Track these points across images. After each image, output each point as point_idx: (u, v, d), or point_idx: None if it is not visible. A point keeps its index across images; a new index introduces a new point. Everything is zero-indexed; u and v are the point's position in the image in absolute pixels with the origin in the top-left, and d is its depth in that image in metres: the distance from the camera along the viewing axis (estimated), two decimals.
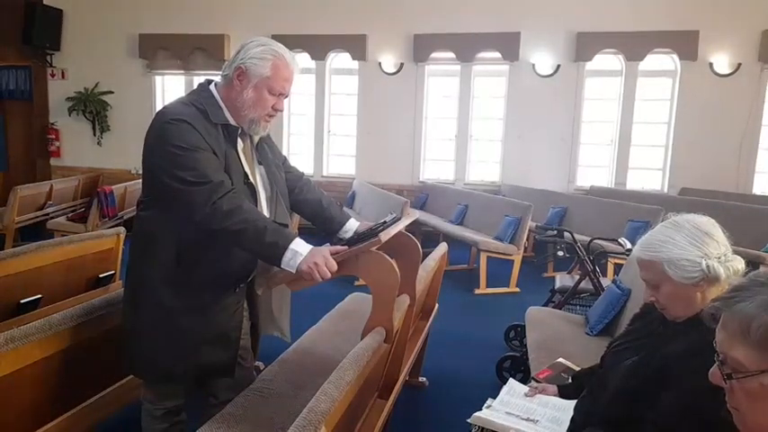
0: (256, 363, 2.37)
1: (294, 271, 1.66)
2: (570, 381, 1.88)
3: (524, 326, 3.13)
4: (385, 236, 1.78)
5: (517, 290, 5.12)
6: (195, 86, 1.86)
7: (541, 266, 5.74)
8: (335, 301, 3.01)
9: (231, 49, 7.53)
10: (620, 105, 7.04)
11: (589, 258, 3.52)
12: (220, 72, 1.82)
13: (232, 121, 1.78)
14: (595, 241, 3.97)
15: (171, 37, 7.67)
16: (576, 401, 1.60)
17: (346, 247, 1.79)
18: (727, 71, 6.62)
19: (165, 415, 1.90)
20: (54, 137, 8.21)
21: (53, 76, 8.14)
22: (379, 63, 7.38)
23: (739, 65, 6.58)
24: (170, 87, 8.04)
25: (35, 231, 6.10)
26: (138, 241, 1.80)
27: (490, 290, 5.08)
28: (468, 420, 1.60)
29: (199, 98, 1.76)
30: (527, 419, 1.61)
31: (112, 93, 8.04)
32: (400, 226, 1.98)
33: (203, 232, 1.68)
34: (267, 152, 1.94)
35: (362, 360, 1.58)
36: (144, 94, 7.93)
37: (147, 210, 1.77)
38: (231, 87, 1.77)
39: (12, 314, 2.45)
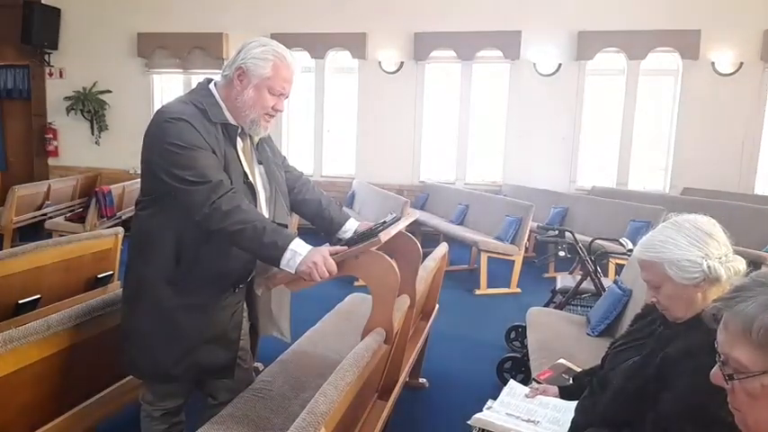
0: (256, 363, 2.37)
1: (293, 271, 1.66)
2: (571, 382, 1.87)
3: (525, 326, 3.12)
4: (385, 236, 1.77)
5: (518, 290, 5.11)
6: (194, 85, 1.85)
7: (542, 267, 5.73)
8: (335, 301, 3.01)
9: (230, 47, 7.52)
10: (621, 105, 7.03)
11: (590, 259, 3.51)
12: (219, 71, 1.82)
13: (232, 121, 1.78)
14: (597, 241, 3.97)
15: (169, 36, 7.67)
16: (576, 402, 1.59)
17: (346, 248, 1.78)
18: (729, 70, 6.62)
19: (164, 416, 1.90)
20: (52, 136, 8.21)
21: (51, 75, 8.13)
22: (379, 62, 7.38)
23: (741, 64, 6.57)
24: (168, 86, 8.03)
25: (33, 231, 6.10)
26: (137, 241, 1.79)
27: (491, 290, 5.08)
28: (469, 422, 1.60)
29: (198, 97, 1.76)
30: (528, 421, 1.61)
31: (111, 92, 8.03)
32: (400, 226, 1.98)
33: (202, 232, 1.68)
34: (267, 151, 1.93)
35: (362, 361, 1.57)
36: (142, 93, 7.92)
37: (146, 209, 1.76)
38: (231, 87, 1.76)
39: (10, 315, 2.44)
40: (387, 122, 7.46)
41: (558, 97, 7.07)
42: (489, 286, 5.09)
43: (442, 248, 2.97)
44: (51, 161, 8.31)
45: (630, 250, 3.37)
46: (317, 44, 7.38)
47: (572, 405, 1.61)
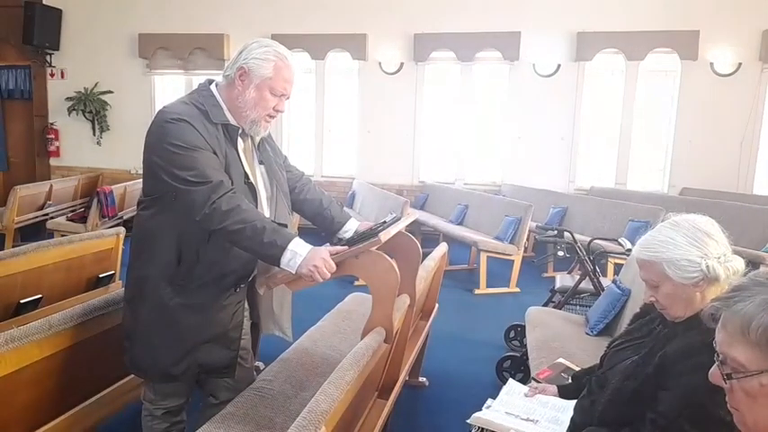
0: (256, 363, 2.37)
1: (293, 272, 1.67)
2: (570, 381, 1.88)
3: (524, 326, 3.13)
4: (385, 236, 1.78)
5: (517, 290, 5.12)
6: (195, 86, 1.86)
7: (541, 266, 5.74)
8: (335, 301, 3.01)
9: (231, 48, 7.53)
10: (620, 105, 7.03)
11: (589, 258, 3.52)
12: (220, 72, 1.83)
13: (232, 121, 1.78)
14: (595, 241, 3.97)
15: (170, 36, 7.67)
16: (575, 401, 1.60)
17: (346, 248, 1.79)
18: (727, 71, 6.62)
19: (165, 415, 1.90)
20: (53, 137, 8.21)
21: (52, 75, 8.14)
22: (379, 63, 7.38)
23: (740, 65, 6.58)
24: (170, 87, 8.03)
25: (35, 231, 6.10)
26: (138, 241, 1.80)
27: (490, 290, 5.08)
28: (468, 421, 1.60)
29: (199, 98, 1.76)
30: (527, 419, 1.61)
31: (112, 92, 8.03)
32: (400, 226, 1.98)
33: (203, 232, 1.69)
34: (268, 151, 1.94)
35: (362, 360, 1.58)
36: (143, 93, 7.92)
37: (148, 209, 1.77)
38: (233, 87, 1.77)
39: (12, 314, 2.45)
40: (387, 123, 7.46)
41: (558, 98, 7.07)
42: (489, 286, 5.10)
43: (442, 248, 2.98)
44: (53, 161, 8.31)
45: (629, 250, 3.37)
46: (317, 45, 7.39)
47: (571, 404, 1.62)
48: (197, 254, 1.72)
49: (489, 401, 1.72)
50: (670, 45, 6.67)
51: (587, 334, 2.84)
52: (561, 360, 2.17)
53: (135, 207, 1.92)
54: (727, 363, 0.86)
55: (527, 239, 5.81)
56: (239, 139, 1.80)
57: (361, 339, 1.76)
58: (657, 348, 1.39)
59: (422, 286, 2.41)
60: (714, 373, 0.89)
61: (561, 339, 2.73)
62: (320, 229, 2.13)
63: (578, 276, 3.55)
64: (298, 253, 1.66)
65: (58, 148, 8.25)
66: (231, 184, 1.69)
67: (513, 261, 5.14)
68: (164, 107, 1.74)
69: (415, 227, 6.08)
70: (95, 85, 8.00)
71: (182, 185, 1.63)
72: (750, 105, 6.63)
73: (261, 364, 2.54)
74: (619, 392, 1.40)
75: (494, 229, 5.45)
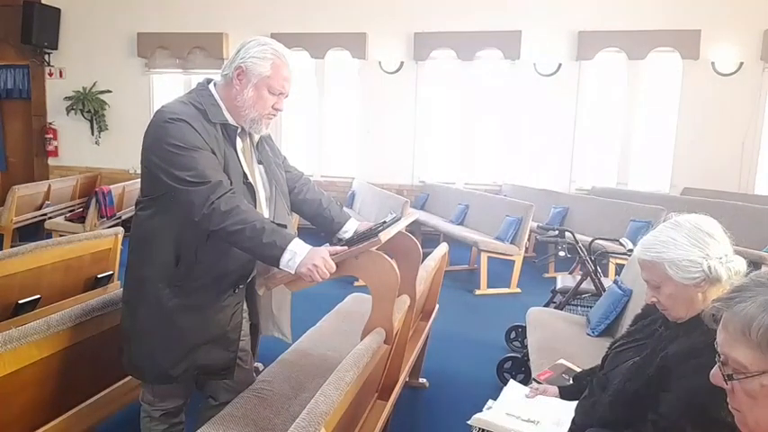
0: (256, 364, 2.37)
1: (293, 272, 1.66)
2: (571, 382, 1.87)
3: (525, 326, 3.12)
4: (385, 236, 1.77)
5: (518, 290, 5.11)
6: (194, 86, 1.85)
7: (542, 267, 5.73)
8: (335, 301, 3.01)
9: (230, 47, 7.52)
10: (621, 104, 7.03)
11: (590, 259, 3.51)
12: (219, 71, 1.82)
13: (231, 121, 1.78)
14: (597, 241, 3.97)
15: (169, 36, 7.67)
16: (576, 403, 1.59)
17: (345, 248, 1.78)
18: (729, 70, 6.61)
19: (164, 416, 1.90)
20: (52, 136, 8.21)
21: (51, 75, 8.13)
22: (379, 62, 7.37)
23: (741, 64, 6.57)
24: (169, 86, 8.02)
25: (33, 231, 6.11)
26: (137, 241, 1.79)
27: (491, 290, 5.08)
28: (469, 422, 1.60)
29: (198, 97, 1.75)
30: (528, 421, 1.61)
31: (110, 92, 8.03)
32: (400, 226, 1.98)
33: (202, 232, 1.68)
34: (267, 151, 1.93)
35: (362, 361, 1.57)
36: (142, 93, 7.92)
37: (146, 210, 1.76)
38: (231, 87, 1.76)
39: (10, 315, 2.44)
40: (387, 122, 7.45)
41: (559, 97, 7.06)
42: (489, 286, 5.09)
43: (442, 248, 2.97)
44: (51, 161, 8.31)
45: (630, 250, 3.37)
46: (317, 44, 7.38)
47: (572, 405, 1.61)
48: (196, 254, 1.71)
49: (490, 402, 1.71)
50: (671, 44, 6.67)
51: (588, 335, 2.84)
52: (562, 361, 2.17)
53: (133, 207, 1.91)
54: (729, 363, 0.85)
55: (528, 240, 5.80)
56: (238, 138, 1.80)
57: (361, 340, 1.75)
58: (659, 349, 1.38)
59: (422, 287, 2.40)
60: (715, 374, 0.89)
61: (562, 340, 2.72)
62: (320, 229, 2.12)
63: (579, 277, 3.54)
64: (297, 253, 1.65)
65: (56, 147, 8.26)
66: (230, 185, 1.68)
67: (513, 261, 5.13)
68: (162, 107, 1.73)
69: (415, 227, 6.08)
70: (94, 84, 8.00)
71: (180, 186, 1.62)
72: (751, 105, 6.63)
73: (260, 365, 2.53)
74: (620, 394, 1.39)
75: (494, 230, 5.44)
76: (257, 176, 1.87)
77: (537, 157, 7.20)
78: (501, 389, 1.83)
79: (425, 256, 2.55)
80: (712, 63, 6.64)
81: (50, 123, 8.21)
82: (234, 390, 1.91)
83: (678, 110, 6.85)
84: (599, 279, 3.43)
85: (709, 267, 1.32)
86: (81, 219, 5.99)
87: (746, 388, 0.83)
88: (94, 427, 2.04)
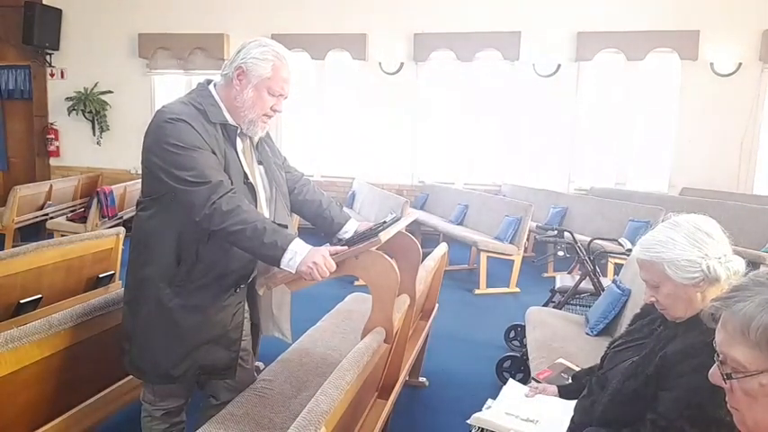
0: (257, 363, 2.37)
1: (294, 271, 1.66)
2: (570, 381, 1.88)
3: (524, 326, 3.13)
4: (385, 236, 1.78)
5: (517, 290, 5.12)
6: (194, 86, 1.85)
7: (541, 266, 5.74)
8: (335, 301, 3.01)
9: (231, 48, 7.52)
10: (620, 105, 7.03)
11: (589, 258, 3.52)
12: (220, 72, 1.82)
13: (231, 121, 1.78)
14: (595, 241, 3.97)
15: (170, 36, 7.67)
16: (575, 402, 1.60)
17: (346, 248, 1.79)
18: (727, 71, 6.62)
19: (165, 415, 1.90)
20: (53, 136, 8.21)
21: (52, 75, 8.14)
22: (379, 62, 7.38)
23: (740, 64, 6.57)
24: (169, 87, 8.02)
25: (35, 231, 6.11)
26: (138, 241, 1.79)
27: (490, 290, 5.08)
28: (468, 421, 1.60)
29: (198, 98, 1.76)
30: (527, 420, 1.61)
31: (112, 92, 8.04)
32: (400, 226, 1.98)
33: (203, 232, 1.68)
34: (267, 152, 1.94)
35: (362, 360, 1.58)
36: (143, 93, 7.93)
37: (147, 210, 1.77)
38: (231, 87, 1.76)
39: (12, 314, 2.45)
40: (387, 123, 7.46)
41: (558, 98, 7.07)
42: (489, 286, 5.10)
43: (442, 248, 2.98)
44: (53, 161, 8.32)
45: (629, 250, 3.37)
46: (317, 45, 7.39)
47: (571, 404, 1.62)
48: (196, 254, 1.72)
49: (489, 402, 1.72)
50: (670, 45, 6.67)
51: (587, 334, 2.84)
52: (561, 360, 2.18)
53: (135, 207, 1.92)
54: (727, 363, 0.85)
55: (527, 239, 5.81)
56: (238, 139, 1.80)
57: (361, 339, 1.76)
58: (658, 349, 1.38)
59: (422, 286, 2.41)
60: (714, 374, 0.89)
61: (561, 339, 2.73)
62: (320, 229, 2.12)
63: (578, 276, 3.55)
64: (298, 253, 1.66)
65: (57, 148, 8.26)
66: (231, 185, 1.68)
67: (513, 261, 5.14)
68: (162, 107, 1.74)
69: (415, 227, 6.08)
70: (95, 85, 8.01)
71: (181, 186, 1.63)
72: (750, 105, 6.63)
73: (261, 365, 2.53)
74: (619, 393, 1.40)
75: (494, 229, 5.45)
76: (257, 177, 1.87)
77: (536, 158, 7.21)
78: (500, 388, 1.84)
79: (425, 255, 2.56)
80: (711, 64, 6.64)
81: (52, 124, 8.21)
82: (235, 389, 1.92)
83: (677, 110, 6.86)
84: (598, 279, 3.44)
85: (707, 267, 1.32)
86: (82, 219, 6.00)
87: (745, 387, 0.83)
88: (95, 426, 2.04)
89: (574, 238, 3.78)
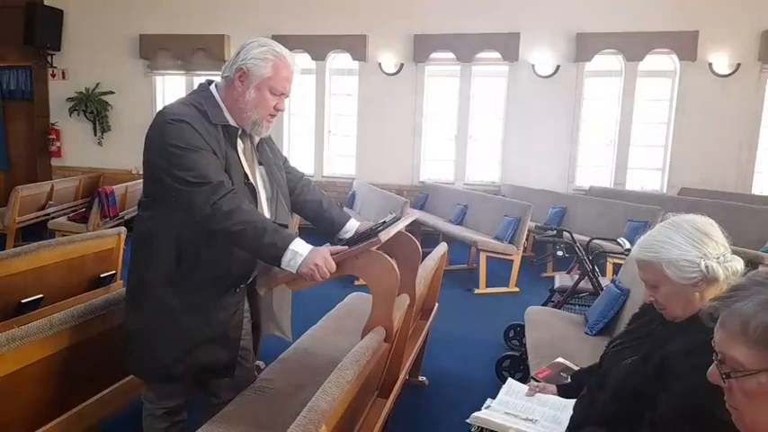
0: (257, 362, 2.38)
1: (294, 271, 1.67)
2: (569, 380, 1.88)
3: (524, 325, 3.13)
4: (385, 236, 1.78)
5: (517, 289, 5.12)
6: (196, 87, 1.86)
7: (541, 266, 5.74)
8: (335, 301, 3.02)
9: (232, 49, 7.53)
10: (619, 106, 7.04)
11: (588, 258, 3.53)
12: (221, 72, 1.83)
13: (232, 122, 1.79)
14: (594, 241, 3.98)
15: (171, 37, 7.68)
16: (575, 401, 1.60)
17: (346, 248, 1.79)
18: (726, 71, 6.62)
19: (166, 414, 1.91)
20: (55, 137, 8.22)
21: (54, 76, 8.15)
22: (379, 63, 7.39)
23: (738, 65, 6.58)
24: (171, 88, 8.03)
25: (36, 231, 6.11)
26: (139, 241, 1.80)
27: (490, 289, 5.09)
28: (468, 420, 1.61)
29: (199, 99, 1.77)
30: (526, 419, 1.62)
31: (113, 93, 8.05)
32: (400, 226, 1.99)
33: (203, 232, 1.69)
34: (268, 152, 1.94)
35: (362, 359, 1.58)
36: (144, 94, 7.94)
37: (148, 210, 1.78)
38: (232, 88, 1.77)
39: (13, 314, 2.45)
40: (387, 123, 7.47)
41: (557, 98, 7.08)
42: (488, 285, 5.10)
43: (442, 248, 2.98)
44: (54, 161, 8.32)
45: (628, 250, 3.38)
46: (317, 46, 7.39)
47: (570, 403, 1.62)
48: (197, 254, 1.73)
49: (489, 401, 1.72)
50: (669, 45, 6.68)
51: (586, 333, 2.85)
52: (560, 359, 2.18)
53: (136, 207, 1.92)
54: (726, 362, 0.86)
55: (526, 239, 5.81)
56: (239, 139, 1.81)
57: (362, 339, 1.76)
58: (657, 348, 1.39)
59: (422, 286, 2.41)
60: (713, 373, 0.89)
61: (560, 339, 2.74)
62: (320, 229, 2.13)
63: (577, 276, 3.56)
64: (299, 253, 1.66)
65: (59, 148, 8.27)
66: (231, 185, 1.69)
67: (512, 261, 5.14)
68: (163, 108, 1.75)
69: (414, 227, 6.08)
70: (96, 85, 8.02)
71: (182, 186, 1.63)
72: (749, 106, 6.64)
73: (261, 364, 2.54)
74: (618, 392, 1.40)
75: (493, 229, 5.45)
76: (258, 177, 1.88)
77: (535, 158, 7.21)
78: (500, 387, 1.84)
79: (425, 255, 2.57)
80: (710, 64, 6.65)
81: (53, 124, 8.22)
82: (235, 388, 1.92)
83: (675, 111, 6.86)
84: (597, 278, 3.45)
85: (706, 267, 1.33)
86: (84, 219, 5.99)
87: (744, 386, 0.83)
88: (97, 425, 2.05)
89: (573, 237, 3.79)
